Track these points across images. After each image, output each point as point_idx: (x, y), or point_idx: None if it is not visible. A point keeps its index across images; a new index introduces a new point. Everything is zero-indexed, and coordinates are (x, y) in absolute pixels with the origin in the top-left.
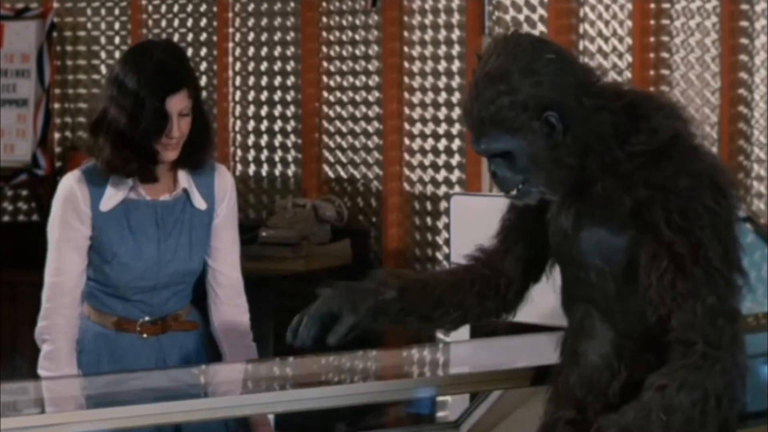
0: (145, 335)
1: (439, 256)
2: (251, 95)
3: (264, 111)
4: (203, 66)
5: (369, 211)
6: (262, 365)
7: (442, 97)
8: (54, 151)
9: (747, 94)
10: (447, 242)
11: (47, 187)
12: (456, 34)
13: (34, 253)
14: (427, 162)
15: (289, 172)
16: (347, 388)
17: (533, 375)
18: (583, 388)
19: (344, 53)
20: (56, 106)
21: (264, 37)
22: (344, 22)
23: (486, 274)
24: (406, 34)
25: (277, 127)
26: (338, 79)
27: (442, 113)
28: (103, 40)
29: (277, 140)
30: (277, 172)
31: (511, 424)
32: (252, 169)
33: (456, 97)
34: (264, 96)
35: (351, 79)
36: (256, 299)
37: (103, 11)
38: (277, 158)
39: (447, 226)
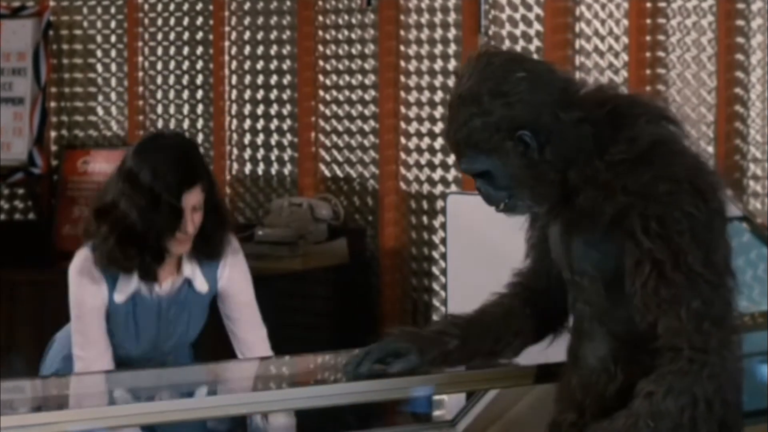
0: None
1: (436, 255)
2: (247, 94)
3: (260, 109)
4: (199, 65)
5: (365, 209)
6: (258, 364)
7: (439, 96)
8: (50, 150)
9: (743, 93)
10: (443, 241)
11: (44, 185)
12: (452, 32)
13: (30, 251)
14: (423, 161)
15: (286, 171)
16: (343, 387)
17: (530, 374)
18: (582, 391)
19: (340, 52)
20: (52, 104)
21: (260, 35)
22: (340, 21)
23: (529, 296)
24: (402, 32)
25: (273, 125)
26: (334, 77)
27: (438, 112)
28: (99, 38)
29: (274, 139)
30: (273, 170)
31: (508, 423)
32: (248, 167)
33: None
34: (260, 94)
35: (347, 77)
36: None
37: (99, 9)
38: (273, 157)
39: (443, 225)
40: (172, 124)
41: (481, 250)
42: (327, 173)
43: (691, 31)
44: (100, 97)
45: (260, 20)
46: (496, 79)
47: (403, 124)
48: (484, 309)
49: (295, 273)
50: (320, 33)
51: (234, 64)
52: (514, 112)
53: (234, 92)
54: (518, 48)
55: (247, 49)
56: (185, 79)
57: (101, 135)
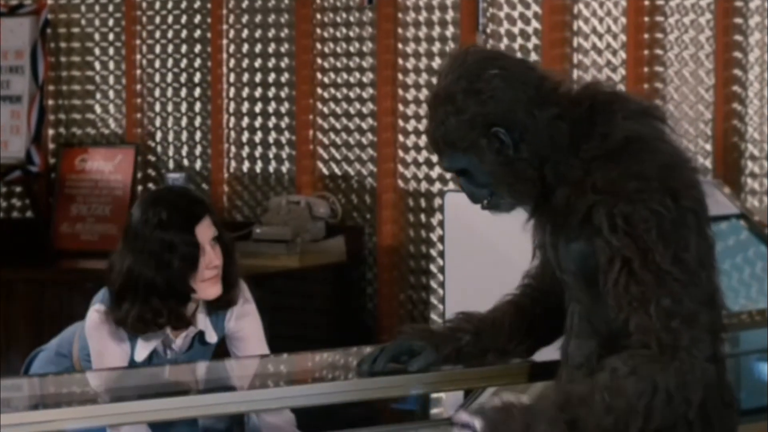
0: None
1: (433, 252)
2: (245, 92)
3: (258, 108)
4: (197, 62)
5: (363, 207)
6: (256, 362)
7: None
8: (48, 148)
9: (741, 91)
10: (441, 239)
11: (41, 183)
12: (450, 30)
13: (28, 250)
14: (421, 159)
15: (284, 169)
16: (340, 384)
17: (527, 371)
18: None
19: (338, 50)
20: (50, 102)
21: (258, 33)
22: (338, 19)
23: (539, 297)
24: (400, 30)
25: (271, 123)
26: (332, 75)
27: None
28: (97, 36)
29: (271, 137)
30: (271, 168)
31: None
32: (246, 165)
33: None
34: (258, 92)
35: (345, 75)
36: None
37: (97, 8)
38: (271, 155)
39: (441, 223)
40: (169, 122)
41: (478, 247)
42: (325, 171)
43: (689, 29)
44: (98, 95)
45: (258, 18)
46: (469, 77)
47: (401, 122)
48: (496, 308)
49: (293, 271)
50: (318, 31)
51: (232, 62)
52: (487, 109)
53: (232, 90)
54: (516, 46)
55: (245, 47)
56: (183, 77)
57: (99, 133)
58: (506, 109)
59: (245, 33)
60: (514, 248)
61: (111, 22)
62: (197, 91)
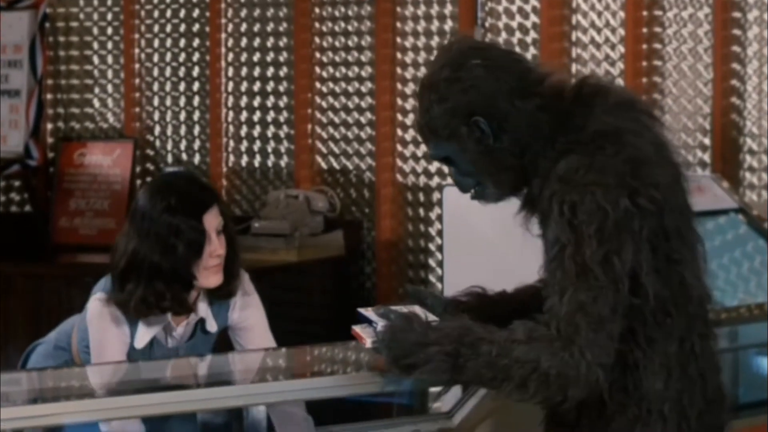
0: None
1: (432, 247)
2: (244, 86)
3: (257, 102)
4: (196, 57)
5: (362, 202)
6: (255, 356)
7: None
8: (46, 142)
9: (739, 85)
10: (440, 233)
11: (40, 177)
12: (449, 24)
13: (27, 244)
14: (419, 153)
15: (282, 163)
16: (338, 378)
17: None
18: None
19: (337, 44)
20: (49, 96)
21: (257, 27)
22: (337, 13)
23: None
24: (398, 25)
25: (269, 117)
26: (331, 69)
27: None
28: (95, 30)
29: (270, 131)
30: (269, 162)
31: (504, 414)
32: (245, 159)
33: None
34: (257, 87)
35: (344, 69)
36: None
37: (95, 1)
38: (269, 149)
39: (440, 217)
40: (168, 116)
41: (477, 241)
42: (323, 165)
43: (688, 23)
44: (97, 89)
45: (257, 12)
46: (453, 65)
47: (399, 116)
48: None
49: (292, 265)
50: (317, 25)
51: (230, 55)
52: (468, 97)
53: (230, 84)
54: (515, 40)
55: (244, 41)
56: (182, 71)
57: (98, 127)
58: (487, 99)
59: (244, 27)
60: (512, 242)
61: (109, 16)
62: (196, 85)
